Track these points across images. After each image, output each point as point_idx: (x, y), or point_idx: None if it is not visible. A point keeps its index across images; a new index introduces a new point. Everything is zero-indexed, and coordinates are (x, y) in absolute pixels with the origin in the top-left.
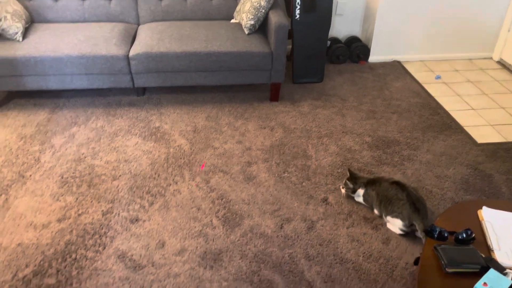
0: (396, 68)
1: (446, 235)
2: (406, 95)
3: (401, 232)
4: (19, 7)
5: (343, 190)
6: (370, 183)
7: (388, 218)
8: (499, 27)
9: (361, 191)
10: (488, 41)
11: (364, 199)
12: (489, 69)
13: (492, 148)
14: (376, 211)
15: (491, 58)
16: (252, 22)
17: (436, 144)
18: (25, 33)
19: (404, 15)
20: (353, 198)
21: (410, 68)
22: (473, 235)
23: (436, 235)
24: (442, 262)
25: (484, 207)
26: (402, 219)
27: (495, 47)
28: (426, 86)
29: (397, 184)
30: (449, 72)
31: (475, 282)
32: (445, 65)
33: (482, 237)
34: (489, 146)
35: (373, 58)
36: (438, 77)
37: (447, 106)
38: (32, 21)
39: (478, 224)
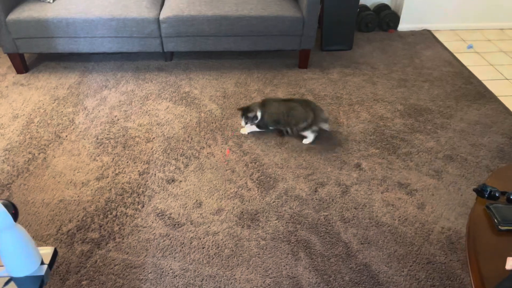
0: (426, 37)
1: (497, 195)
2: (437, 64)
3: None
4: None
5: (245, 128)
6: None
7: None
8: None
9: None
10: None
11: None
12: None
13: None
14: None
15: None
16: None
17: (470, 113)
18: None
19: None
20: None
21: (440, 37)
22: None
23: (487, 195)
24: (495, 220)
25: None
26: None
27: None
28: (458, 56)
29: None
30: (481, 42)
31: None
32: (477, 34)
33: None
34: None
35: (402, 26)
36: (470, 47)
37: (480, 76)
38: None
39: None
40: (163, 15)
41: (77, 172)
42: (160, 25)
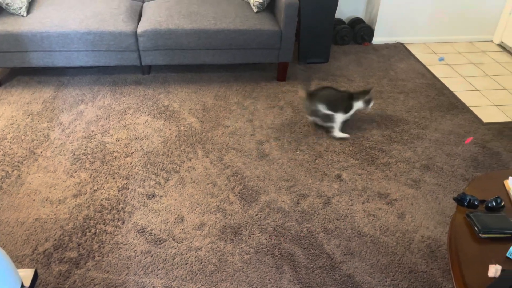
0: (400, 49)
1: (476, 203)
2: (411, 76)
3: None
4: None
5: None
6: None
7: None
8: (500, 10)
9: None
10: (489, 24)
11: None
12: (490, 51)
13: (498, 127)
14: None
15: (491, 41)
16: (261, 0)
17: (444, 123)
18: (29, 8)
19: None
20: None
21: (413, 50)
22: (503, 203)
23: (466, 203)
24: (476, 228)
25: (510, 177)
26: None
27: (496, 30)
28: (430, 68)
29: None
30: (452, 54)
31: (508, 247)
32: (447, 47)
33: (510, 205)
34: (495, 125)
35: (376, 39)
36: (441, 59)
37: (452, 87)
38: None
39: (506, 193)
40: (141, 28)
41: (53, 189)
42: (138, 38)
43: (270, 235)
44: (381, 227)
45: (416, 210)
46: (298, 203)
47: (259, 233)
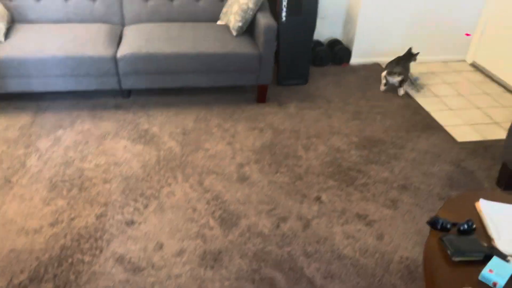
0: (377, 70)
1: (449, 226)
2: (388, 96)
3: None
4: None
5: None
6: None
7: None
8: (472, 31)
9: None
10: (462, 44)
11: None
12: (463, 71)
13: (471, 146)
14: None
15: (464, 60)
16: (240, 24)
17: (420, 142)
18: (7, 34)
19: (384, 20)
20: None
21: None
22: (474, 225)
23: (439, 226)
24: (449, 251)
25: (481, 199)
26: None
27: (468, 50)
28: (406, 87)
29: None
30: (427, 74)
31: (480, 270)
32: (422, 67)
33: (482, 227)
34: (469, 145)
35: (354, 60)
36: (416, 79)
37: (427, 107)
38: (13, 21)
39: (477, 215)
40: (121, 53)
41: (30, 219)
42: (118, 63)
43: (250, 260)
44: (360, 248)
45: (394, 231)
46: (278, 227)
47: (239, 258)
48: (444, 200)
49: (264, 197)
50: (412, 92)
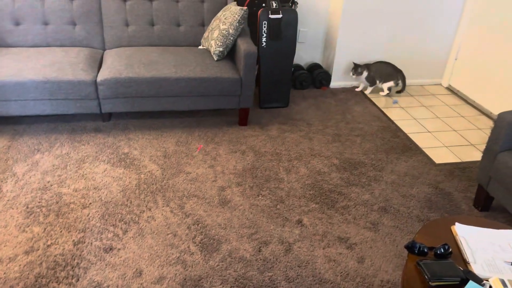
0: (356, 93)
1: (426, 250)
2: (367, 119)
3: (387, 92)
4: None
5: (352, 75)
6: (368, 67)
7: (384, 84)
8: (446, 56)
9: (365, 73)
10: (437, 68)
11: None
12: (439, 94)
13: (449, 168)
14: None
15: (440, 84)
16: (221, 49)
17: (399, 165)
18: None
19: (361, 45)
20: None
21: (368, 93)
22: (450, 249)
23: (416, 251)
24: (426, 276)
25: (456, 223)
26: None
27: (444, 74)
28: (385, 110)
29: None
30: (405, 97)
31: None
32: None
33: (458, 251)
34: (446, 166)
35: (334, 83)
36: (395, 102)
37: (405, 129)
38: None
39: (453, 239)
40: (101, 77)
41: (4, 246)
42: (98, 87)
43: (231, 286)
44: (341, 272)
45: (375, 254)
46: (259, 251)
47: (220, 284)
48: (423, 221)
49: (245, 221)
50: (390, 115)
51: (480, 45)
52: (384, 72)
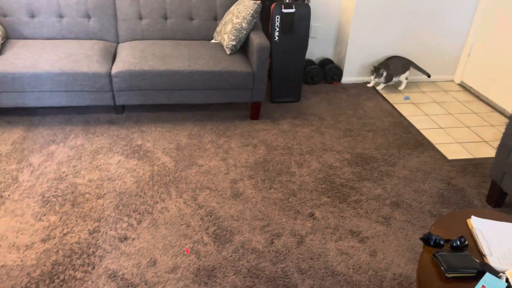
0: (368, 89)
1: (442, 242)
2: (379, 115)
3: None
4: None
5: (374, 78)
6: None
7: (401, 76)
8: (459, 52)
9: (384, 73)
10: (450, 65)
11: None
12: (451, 91)
13: (461, 164)
14: (394, 79)
15: (452, 80)
16: (234, 43)
17: (411, 160)
18: (1, 49)
19: (374, 40)
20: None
21: (380, 89)
22: (467, 242)
23: (432, 243)
24: (442, 267)
25: (473, 217)
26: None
27: (456, 70)
28: (396, 106)
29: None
30: (416, 94)
31: (472, 286)
32: (412, 86)
33: (474, 244)
34: (459, 162)
35: (345, 79)
36: (407, 98)
37: (417, 125)
38: (7, 37)
39: (469, 232)
40: (115, 69)
41: (21, 234)
42: (112, 79)
43: (244, 277)
44: (353, 265)
45: (387, 247)
46: (272, 243)
47: (233, 275)
48: (435, 217)
49: (258, 213)
50: (402, 111)
51: (493, 42)
52: (399, 65)
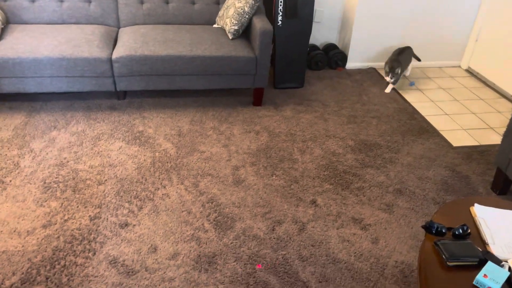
0: (372, 74)
1: (444, 231)
2: (383, 101)
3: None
4: None
5: (391, 79)
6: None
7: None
8: (466, 37)
9: (399, 70)
10: (457, 50)
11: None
12: (458, 76)
13: (467, 151)
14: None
15: (459, 66)
16: (236, 27)
17: (415, 147)
18: (1, 34)
19: (379, 25)
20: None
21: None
22: (469, 230)
23: (434, 231)
24: (443, 256)
25: (476, 204)
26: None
27: (463, 56)
28: (401, 92)
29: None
30: (422, 79)
31: (475, 274)
32: (418, 72)
33: (477, 232)
34: (464, 149)
35: (350, 64)
36: (412, 84)
37: (422, 111)
38: (7, 22)
39: (472, 220)
40: (116, 54)
41: (22, 220)
42: (113, 64)
43: (245, 264)
44: (355, 252)
45: (389, 235)
46: (273, 230)
47: (234, 261)
48: (439, 204)
49: (259, 200)
50: (407, 97)
51: (502, 26)
52: (408, 56)
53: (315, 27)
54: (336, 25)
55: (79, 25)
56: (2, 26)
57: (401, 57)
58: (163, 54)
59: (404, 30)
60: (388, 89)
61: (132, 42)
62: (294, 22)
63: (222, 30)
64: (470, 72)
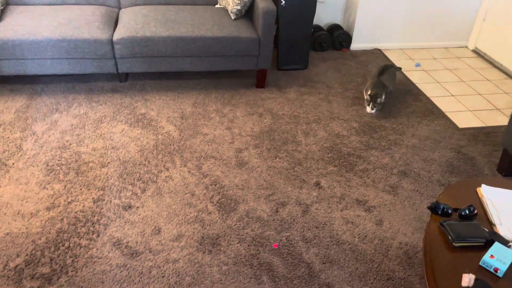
0: (377, 55)
1: (450, 211)
2: None
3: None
4: None
5: (371, 110)
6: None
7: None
8: (473, 17)
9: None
10: (464, 30)
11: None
12: (465, 57)
13: (472, 132)
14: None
15: (466, 46)
16: (239, 7)
17: (421, 128)
18: (1, 16)
19: (384, 5)
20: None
21: (390, 56)
22: (476, 211)
23: (440, 212)
24: (449, 237)
25: (483, 185)
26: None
27: (470, 36)
28: (407, 73)
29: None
30: (428, 60)
31: (481, 255)
32: (423, 53)
33: (483, 213)
34: (469, 131)
35: (354, 45)
36: (417, 65)
37: (428, 93)
38: (7, 3)
39: (478, 201)
40: (117, 36)
41: (25, 202)
42: (114, 46)
43: (248, 245)
44: (359, 234)
45: (393, 217)
46: (277, 212)
47: (237, 243)
48: (444, 186)
49: (263, 182)
50: (412, 78)
51: (510, 5)
52: (390, 79)
53: (319, 8)
54: (340, 5)
55: (79, 5)
56: (2, 7)
57: (384, 77)
58: (165, 35)
59: (410, 9)
60: (369, 110)
61: (133, 23)
62: (298, 2)
63: (224, 10)
64: (477, 52)
